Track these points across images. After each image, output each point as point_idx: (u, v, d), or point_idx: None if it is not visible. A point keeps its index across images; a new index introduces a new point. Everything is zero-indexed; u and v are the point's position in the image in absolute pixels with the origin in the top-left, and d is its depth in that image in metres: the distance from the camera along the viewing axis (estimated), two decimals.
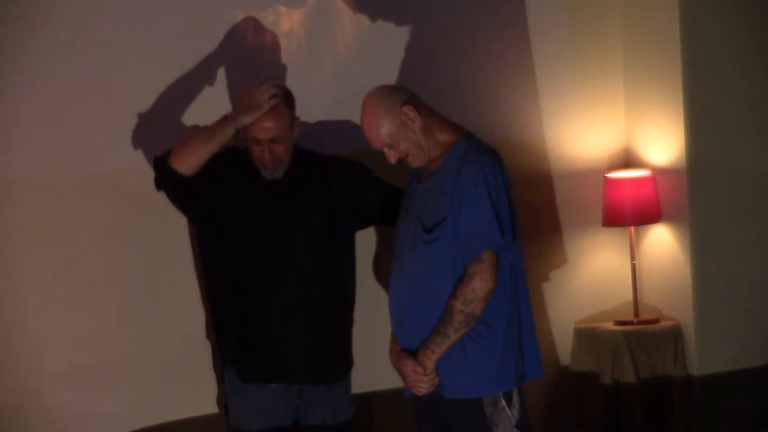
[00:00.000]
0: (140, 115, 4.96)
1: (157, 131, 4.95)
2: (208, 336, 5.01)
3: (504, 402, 4.08)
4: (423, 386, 4.10)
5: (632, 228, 5.59)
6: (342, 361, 4.61)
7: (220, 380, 4.70)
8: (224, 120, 4.42)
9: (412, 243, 4.10)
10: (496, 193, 4.01)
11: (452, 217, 4.02)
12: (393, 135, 4.09)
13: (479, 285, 3.99)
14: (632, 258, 5.61)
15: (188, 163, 4.37)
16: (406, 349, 4.13)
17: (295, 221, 4.49)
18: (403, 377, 4.15)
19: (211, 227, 4.54)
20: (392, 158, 4.14)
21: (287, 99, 4.48)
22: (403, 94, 4.13)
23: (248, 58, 5.15)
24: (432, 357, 4.05)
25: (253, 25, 5.15)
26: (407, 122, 4.09)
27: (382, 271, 5.09)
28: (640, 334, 5.51)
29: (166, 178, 4.41)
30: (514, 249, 4.09)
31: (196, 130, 4.67)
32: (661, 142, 5.59)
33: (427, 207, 4.09)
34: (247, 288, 4.48)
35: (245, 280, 4.48)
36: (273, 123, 4.41)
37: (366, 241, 5.10)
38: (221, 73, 5.07)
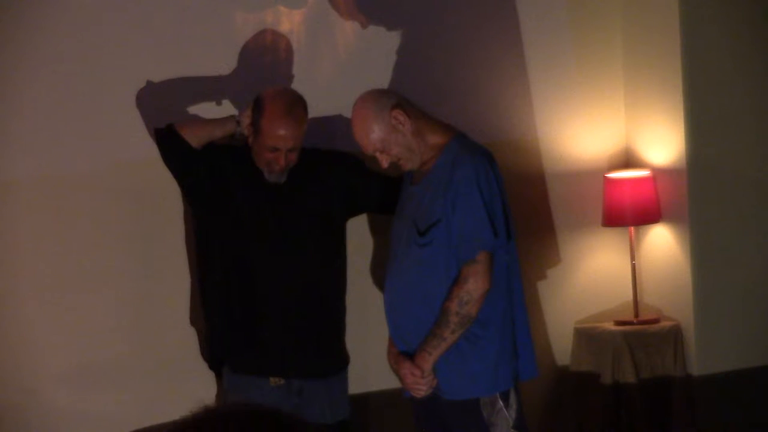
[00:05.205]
0: (140, 116, 4.96)
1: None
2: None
3: (501, 402, 4.09)
4: (421, 388, 4.11)
5: (632, 228, 5.58)
6: (338, 350, 4.61)
7: (219, 379, 4.70)
8: (230, 117, 4.54)
9: (407, 245, 4.10)
10: (489, 194, 4.01)
11: (446, 219, 4.02)
12: (384, 140, 4.09)
13: (474, 286, 3.99)
14: (632, 258, 5.60)
15: (191, 132, 4.48)
16: (403, 352, 4.13)
17: (292, 215, 4.51)
18: (401, 380, 4.15)
19: (206, 210, 4.56)
20: (384, 163, 4.14)
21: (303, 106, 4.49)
22: (392, 98, 4.13)
23: (249, 58, 5.14)
24: (429, 359, 4.05)
25: (254, 25, 5.15)
26: (397, 126, 4.09)
27: (378, 270, 5.09)
28: (640, 334, 5.49)
29: (168, 137, 4.48)
30: (509, 249, 4.09)
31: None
32: (661, 142, 5.57)
33: (420, 209, 4.09)
34: (243, 281, 4.50)
35: (241, 273, 4.50)
36: (292, 132, 4.40)
37: (363, 240, 5.10)
38: (221, 74, 5.07)
